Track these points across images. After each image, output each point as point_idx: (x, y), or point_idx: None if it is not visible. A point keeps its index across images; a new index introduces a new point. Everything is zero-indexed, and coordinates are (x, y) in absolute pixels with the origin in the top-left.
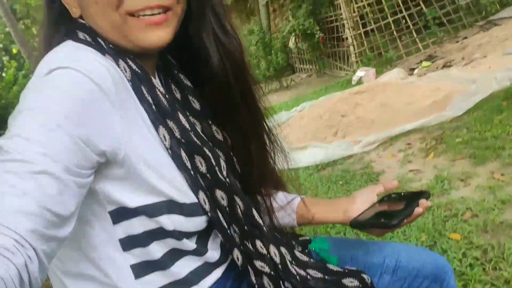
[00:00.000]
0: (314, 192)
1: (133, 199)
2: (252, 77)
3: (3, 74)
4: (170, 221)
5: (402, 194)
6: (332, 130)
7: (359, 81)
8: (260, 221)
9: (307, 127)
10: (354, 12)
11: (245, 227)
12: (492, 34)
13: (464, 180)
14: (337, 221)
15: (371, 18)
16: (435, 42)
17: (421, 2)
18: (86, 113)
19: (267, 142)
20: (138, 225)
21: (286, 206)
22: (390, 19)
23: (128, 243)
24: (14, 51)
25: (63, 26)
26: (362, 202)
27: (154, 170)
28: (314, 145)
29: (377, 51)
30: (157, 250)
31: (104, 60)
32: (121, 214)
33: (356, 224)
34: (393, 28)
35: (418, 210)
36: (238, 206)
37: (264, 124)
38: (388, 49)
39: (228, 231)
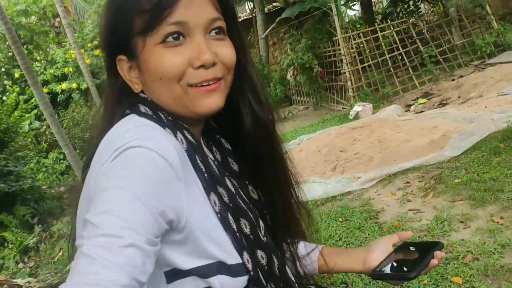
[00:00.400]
0: (315, 228)
1: (187, 262)
2: (281, 144)
3: (4, 98)
4: (218, 281)
5: (417, 243)
6: (331, 165)
7: (356, 116)
8: (292, 278)
9: (306, 161)
10: (352, 48)
11: (281, 285)
12: (487, 74)
13: (464, 222)
14: (357, 270)
15: (368, 54)
16: (431, 80)
17: (417, 40)
18: (161, 189)
19: (293, 201)
20: (190, 285)
21: (307, 257)
22: (387, 56)
23: None
24: (17, 75)
25: (125, 99)
26: (379, 252)
27: (207, 235)
28: (313, 180)
29: (374, 87)
30: None
31: (168, 136)
32: (175, 274)
33: (377, 276)
34: (389, 64)
35: (433, 262)
36: (275, 265)
37: (290, 185)
38: (385, 85)
39: (268, 287)
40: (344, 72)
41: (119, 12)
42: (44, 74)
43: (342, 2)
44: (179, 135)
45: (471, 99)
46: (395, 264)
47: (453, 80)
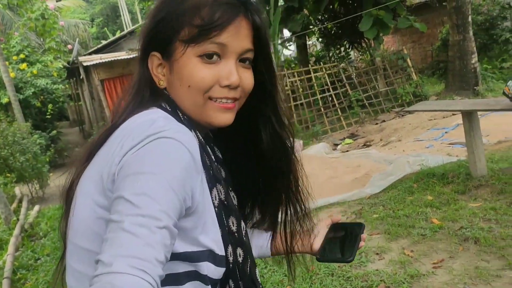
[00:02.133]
0: None
1: (182, 246)
2: (297, 166)
3: None
4: (206, 267)
5: (344, 224)
6: None
7: None
8: (259, 280)
9: None
10: (286, 86)
11: (250, 283)
12: (406, 120)
13: (379, 254)
14: (308, 253)
15: (301, 93)
16: (357, 122)
17: (347, 85)
18: (186, 178)
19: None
20: (181, 267)
21: (262, 244)
22: (318, 96)
23: (168, 280)
24: None
25: (151, 92)
26: (320, 237)
27: (205, 225)
28: None
29: (305, 124)
30: None
31: (191, 132)
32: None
33: (323, 260)
34: (320, 104)
35: (361, 243)
36: (248, 264)
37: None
38: (315, 123)
39: (239, 282)
40: None
41: (171, 17)
42: None
43: (279, 42)
44: (193, 133)
45: (391, 143)
46: (335, 245)
47: (377, 123)
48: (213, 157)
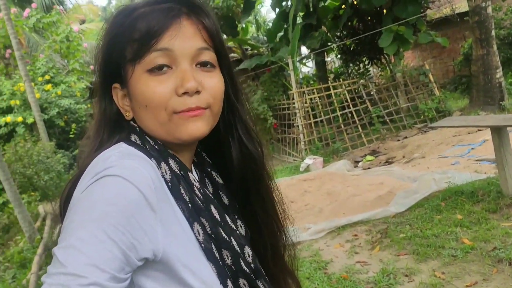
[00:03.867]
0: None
1: None
2: (270, 180)
3: None
4: None
5: None
6: None
7: (307, 168)
8: None
9: None
10: (306, 103)
11: None
12: (429, 137)
13: (408, 275)
14: None
15: (321, 110)
16: (378, 138)
17: (367, 101)
18: (133, 223)
19: (281, 241)
20: None
21: None
22: (338, 113)
23: None
24: None
25: (117, 126)
26: None
27: (186, 267)
28: None
29: (325, 141)
30: None
31: (149, 166)
32: None
33: None
34: (340, 121)
35: None
36: None
37: (276, 223)
38: (335, 140)
39: None
40: (297, 125)
41: (113, 41)
42: None
43: (298, 59)
44: (163, 165)
45: (415, 159)
46: None
47: (398, 140)
48: (197, 185)
